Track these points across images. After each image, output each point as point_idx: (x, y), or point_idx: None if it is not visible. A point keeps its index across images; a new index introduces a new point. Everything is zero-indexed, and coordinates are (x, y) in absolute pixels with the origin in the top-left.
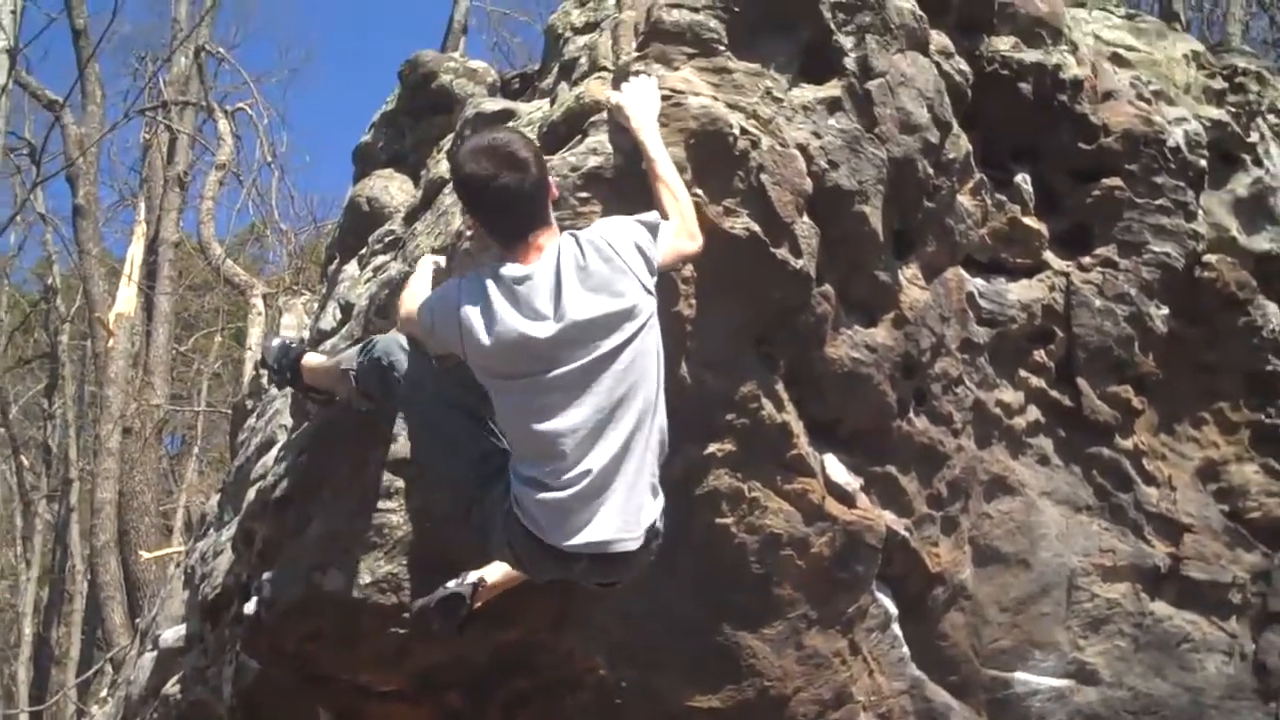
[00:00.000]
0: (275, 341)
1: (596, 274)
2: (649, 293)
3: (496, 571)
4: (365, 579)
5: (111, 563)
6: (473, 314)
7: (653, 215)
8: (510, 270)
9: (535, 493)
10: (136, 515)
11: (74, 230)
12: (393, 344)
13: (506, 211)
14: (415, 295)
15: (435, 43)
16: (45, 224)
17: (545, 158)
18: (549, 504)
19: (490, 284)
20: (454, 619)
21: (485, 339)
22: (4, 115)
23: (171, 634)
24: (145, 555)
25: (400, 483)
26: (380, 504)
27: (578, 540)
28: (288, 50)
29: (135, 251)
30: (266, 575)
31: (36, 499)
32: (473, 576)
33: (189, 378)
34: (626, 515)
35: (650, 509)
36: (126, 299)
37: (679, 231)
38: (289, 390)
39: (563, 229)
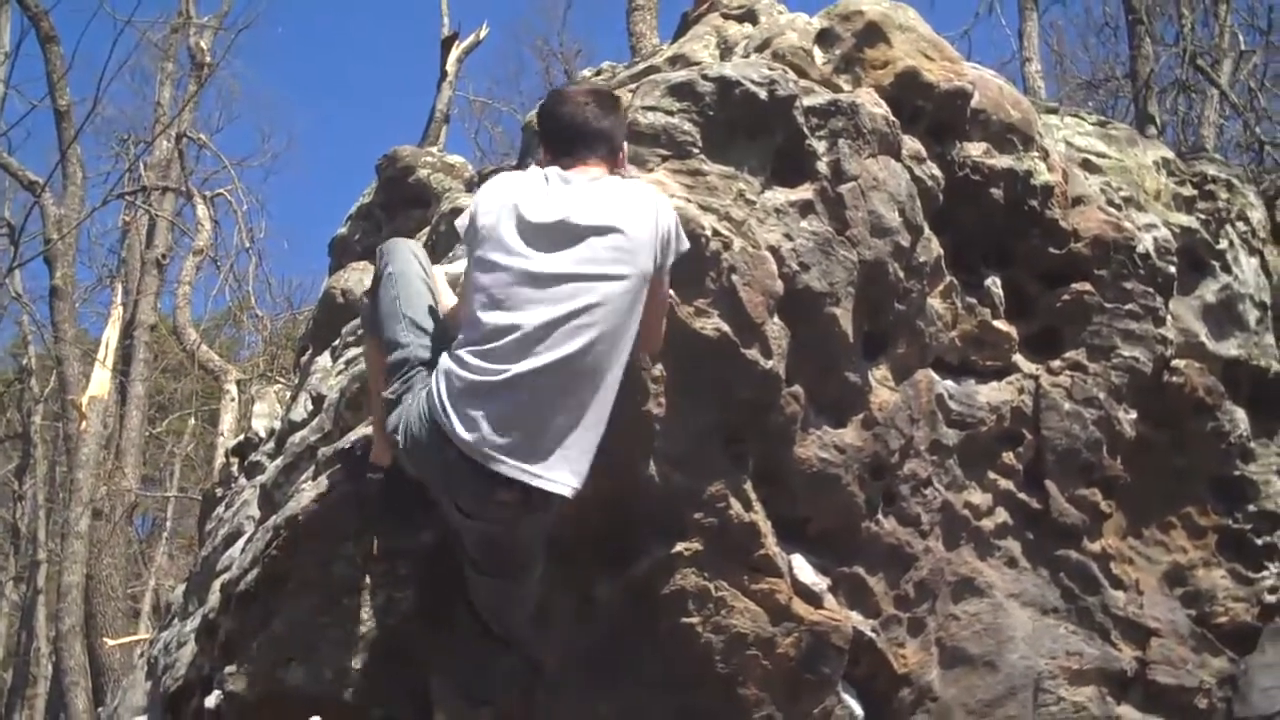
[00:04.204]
0: None
1: (628, 208)
2: (652, 268)
3: None
4: (328, 675)
5: (77, 648)
6: (510, 188)
7: (682, 245)
8: (557, 169)
9: (458, 369)
10: (103, 600)
11: (50, 311)
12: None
13: (579, 133)
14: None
15: (417, 130)
16: (21, 304)
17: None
18: (464, 381)
19: (536, 170)
20: None
21: (502, 205)
22: None
23: None
24: (110, 643)
25: (366, 579)
26: (344, 600)
27: (464, 435)
28: (269, 137)
29: (111, 334)
30: (229, 669)
31: (3, 580)
32: None
33: (161, 460)
34: (521, 437)
35: (551, 463)
36: (100, 382)
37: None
38: (257, 481)
39: None
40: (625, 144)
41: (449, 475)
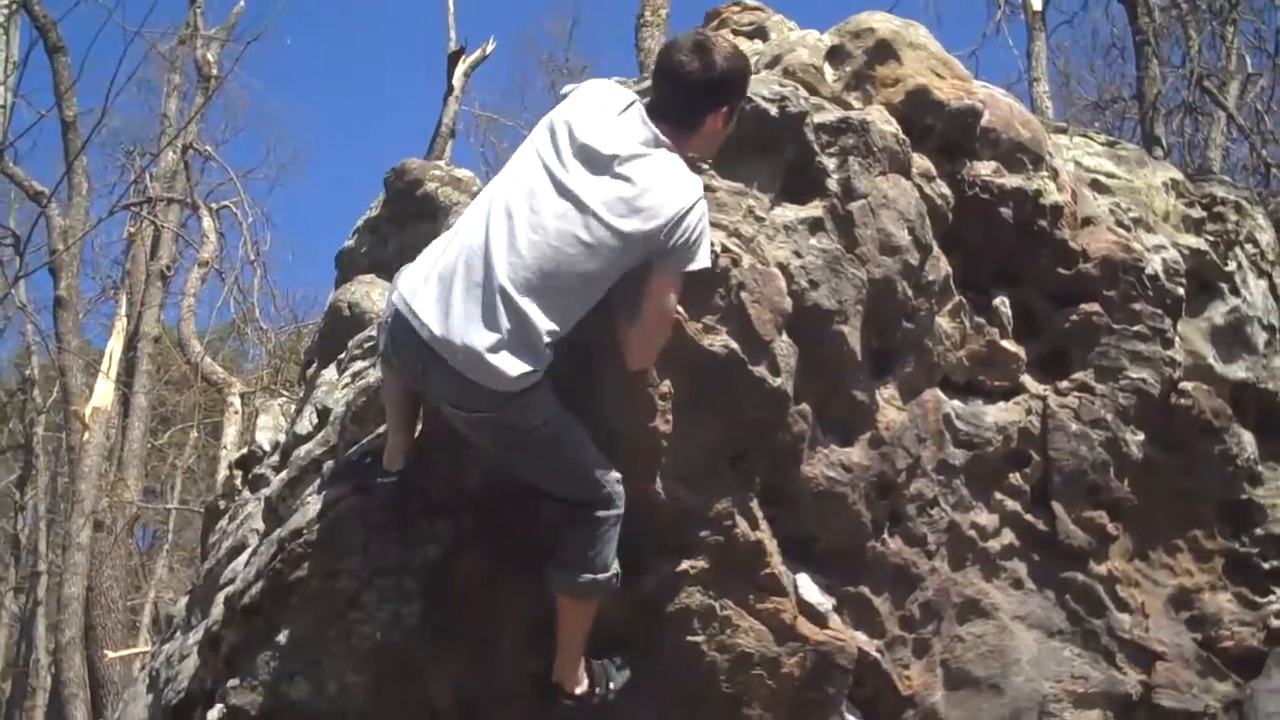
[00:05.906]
0: None
1: (659, 180)
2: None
3: None
4: (333, 689)
5: (76, 660)
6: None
7: (699, 261)
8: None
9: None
10: (104, 612)
11: (54, 321)
12: None
13: (664, 85)
14: None
15: (423, 143)
16: (25, 315)
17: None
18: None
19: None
20: None
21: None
22: None
23: None
24: (110, 655)
25: (370, 593)
26: (349, 614)
27: (414, 304)
28: (275, 148)
29: (114, 345)
30: (232, 683)
31: (3, 590)
32: None
33: (163, 472)
34: (450, 318)
35: (475, 335)
36: (103, 393)
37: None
38: (261, 494)
39: None
40: (729, 105)
41: (427, 372)
